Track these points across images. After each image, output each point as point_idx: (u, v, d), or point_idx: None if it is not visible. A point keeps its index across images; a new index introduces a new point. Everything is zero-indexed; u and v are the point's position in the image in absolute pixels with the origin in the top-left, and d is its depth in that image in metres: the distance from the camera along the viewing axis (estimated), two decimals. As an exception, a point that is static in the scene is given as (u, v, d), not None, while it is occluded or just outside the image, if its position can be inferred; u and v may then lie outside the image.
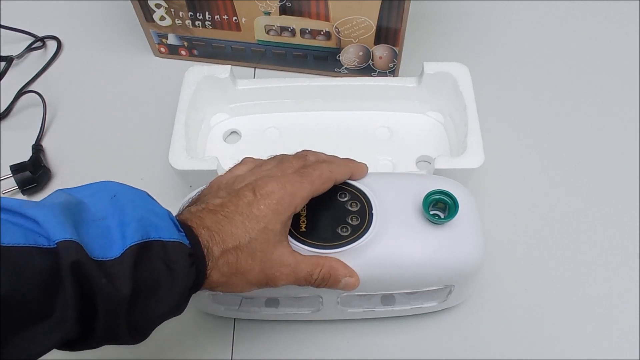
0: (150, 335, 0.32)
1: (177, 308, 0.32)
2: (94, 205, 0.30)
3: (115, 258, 0.28)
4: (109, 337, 0.29)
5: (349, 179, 0.40)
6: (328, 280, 0.36)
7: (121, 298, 0.27)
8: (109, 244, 0.28)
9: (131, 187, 0.33)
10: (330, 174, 0.37)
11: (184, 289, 0.31)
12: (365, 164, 0.41)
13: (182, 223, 0.32)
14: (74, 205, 0.29)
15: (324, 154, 0.40)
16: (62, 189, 0.31)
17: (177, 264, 0.30)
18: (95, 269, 0.27)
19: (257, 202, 0.34)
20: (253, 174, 0.37)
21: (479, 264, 0.39)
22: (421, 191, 0.38)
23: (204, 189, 0.38)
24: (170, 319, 0.32)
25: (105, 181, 0.32)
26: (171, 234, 0.30)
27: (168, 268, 0.30)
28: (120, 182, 0.33)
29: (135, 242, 0.29)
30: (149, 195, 0.33)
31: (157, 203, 0.33)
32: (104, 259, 0.28)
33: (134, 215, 0.30)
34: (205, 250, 0.32)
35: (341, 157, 0.41)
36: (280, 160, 0.39)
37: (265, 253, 0.34)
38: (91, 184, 0.32)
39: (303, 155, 0.39)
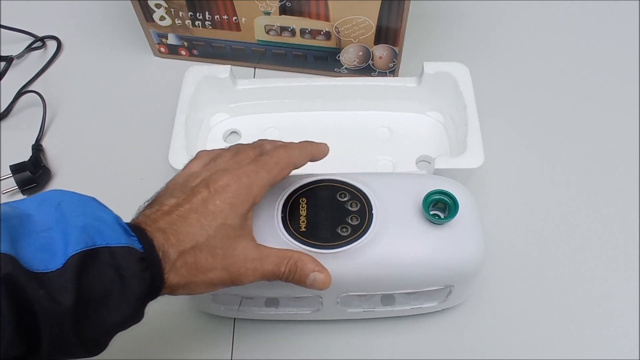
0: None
1: (134, 315, 0.30)
2: (39, 216, 0.29)
3: (57, 269, 0.27)
4: (58, 352, 0.28)
5: (310, 160, 0.39)
6: (295, 273, 0.35)
7: (63, 310, 0.26)
8: (51, 255, 0.27)
9: (77, 194, 0.31)
10: (288, 159, 0.36)
11: (139, 294, 0.29)
12: (326, 144, 0.40)
13: (135, 227, 0.31)
14: (14, 218, 0.28)
15: (281, 141, 0.39)
16: (7, 202, 0.30)
17: (127, 270, 0.29)
18: (29, 281, 0.26)
19: (212, 198, 0.33)
20: (208, 169, 0.35)
21: (479, 264, 0.39)
22: (421, 191, 0.38)
23: (160, 191, 0.36)
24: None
25: (52, 190, 0.31)
26: (119, 239, 0.29)
27: (118, 274, 0.28)
28: (69, 190, 0.31)
29: (78, 251, 0.28)
30: (96, 200, 0.32)
31: (106, 208, 0.31)
32: (44, 271, 0.27)
33: (77, 223, 0.29)
34: (160, 254, 0.30)
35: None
36: (236, 151, 0.37)
37: (227, 250, 0.33)
38: (39, 194, 0.31)
39: (259, 144, 0.38)
